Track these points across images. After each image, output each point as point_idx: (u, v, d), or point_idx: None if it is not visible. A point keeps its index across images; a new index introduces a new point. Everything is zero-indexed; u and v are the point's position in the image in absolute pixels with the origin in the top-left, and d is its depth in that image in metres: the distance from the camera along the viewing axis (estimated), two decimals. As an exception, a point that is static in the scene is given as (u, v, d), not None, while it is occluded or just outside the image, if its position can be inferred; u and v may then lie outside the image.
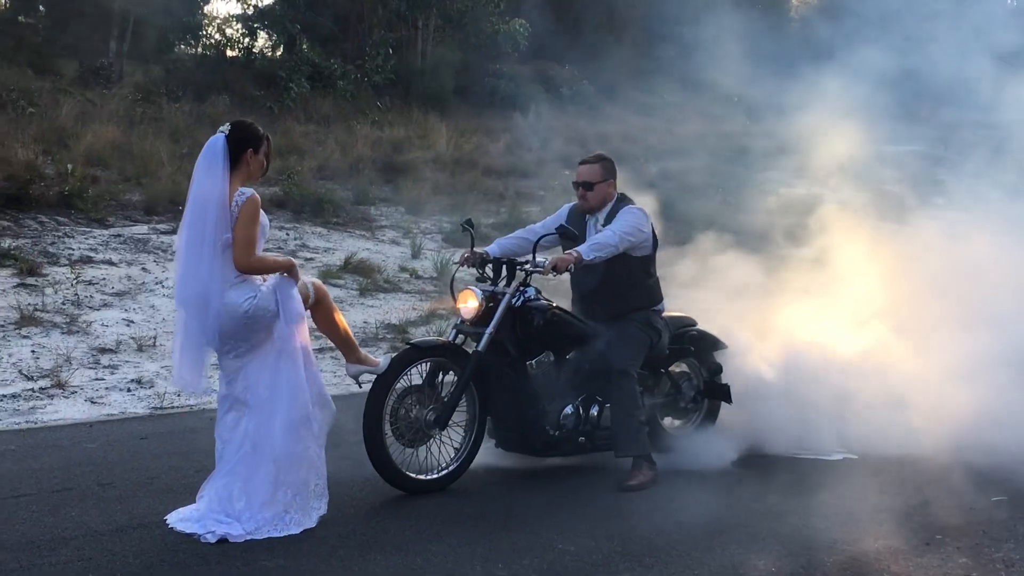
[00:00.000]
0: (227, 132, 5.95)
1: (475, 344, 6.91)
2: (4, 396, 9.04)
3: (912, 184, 9.86)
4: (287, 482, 5.86)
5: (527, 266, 7.07)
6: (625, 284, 7.33)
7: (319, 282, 6.39)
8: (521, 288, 7.04)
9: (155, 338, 10.96)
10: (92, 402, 9.14)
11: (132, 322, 11.49)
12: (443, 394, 6.80)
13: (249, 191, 5.87)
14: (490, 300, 7.01)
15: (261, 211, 5.95)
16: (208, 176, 5.85)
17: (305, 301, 6.13)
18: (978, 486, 7.18)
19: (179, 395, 9.37)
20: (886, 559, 5.80)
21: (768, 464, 7.63)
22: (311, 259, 15.05)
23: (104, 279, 12.67)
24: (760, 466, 7.58)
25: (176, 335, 6.07)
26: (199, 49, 26.37)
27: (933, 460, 7.67)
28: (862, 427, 8.06)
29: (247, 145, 5.96)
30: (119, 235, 14.38)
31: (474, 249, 7.36)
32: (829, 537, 6.10)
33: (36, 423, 8.46)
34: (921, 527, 6.33)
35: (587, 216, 7.54)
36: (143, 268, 13.30)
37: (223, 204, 5.79)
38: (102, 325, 11.27)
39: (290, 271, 5.99)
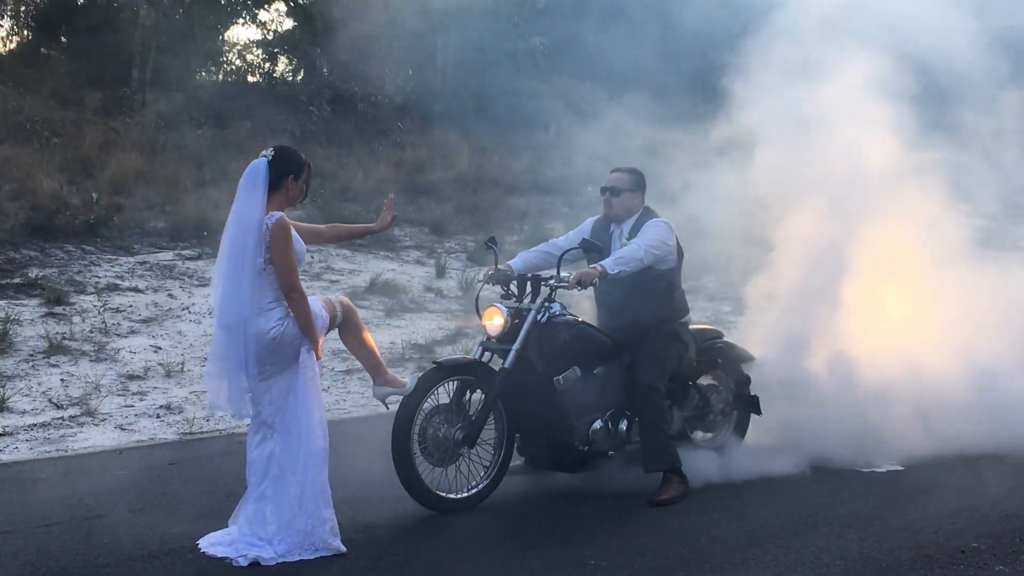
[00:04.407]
0: (270, 157, 5.96)
1: (502, 361, 6.89)
2: (35, 425, 9.07)
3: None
4: (307, 510, 5.83)
5: (551, 281, 7.07)
6: (650, 297, 7.30)
7: (347, 300, 6.38)
8: (546, 304, 7.02)
9: (183, 364, 10.99)
10: (121, 429, 9.17)
11: (160, 348, 11.53)
12: (471, 412, 6.79)
13: (277, 214, 5.87)
14: (515, 317, 6.99)
15: (296, 235, 5.96)
16: (248, 200, 5.86)
17: (332, 319, 6.13)
18: (1013, 492, 7.12)
19: (208, 420, 9.39)
20: (922, 568, 5.74)
21: (806, 476, 7.58)
22: (336, 281, 15.09)
23: (131, 306, 12.72)
24: (796, 478, 7.53)
25: (213, 359, 6.04)
26: (220, 76, 26.52)
27: (971, 468, 7.63)
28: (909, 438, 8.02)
29: (289, 171, 5.98)
30: (144, 262, 14.44)
31: (498, 265, 7.35)
32: (864, 548, 6.06)
33: (66, 451, 8.48)
34: (956, 535, 6.28)
35: (612, 227, 7.53)
36: (169, 294, 13.35)
37: (261, 229, 5.81)
38: (130, 352, 11.31)
39: (315, 348, 5.97)
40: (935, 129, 9.28)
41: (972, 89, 9.79)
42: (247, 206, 5.85)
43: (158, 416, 9.58)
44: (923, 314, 8.91)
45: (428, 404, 6.67)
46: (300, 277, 5.94)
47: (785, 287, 8.57)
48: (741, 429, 7.99)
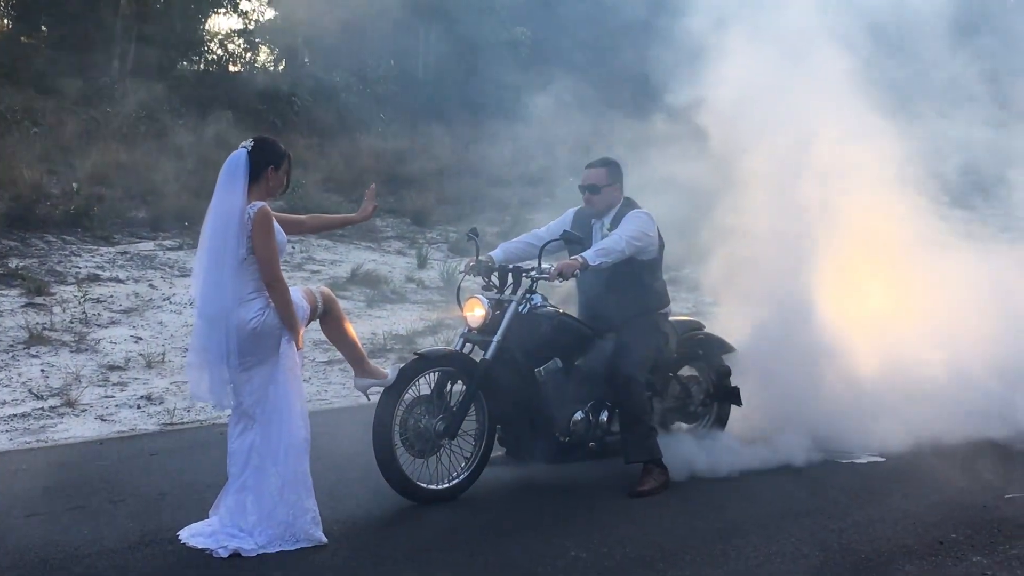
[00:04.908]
0: (249, 148, 5.95)
1: (483, 353, 6.90)
2: (15, 415, 9.05)
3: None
4: (288, 500, 5.83)
5: (533, 273, 7.07)
6: (632, 288, 7.31)
7: (328, 290, 6.38)
8: (527, 295, 7.03)
9: (164, 354, 10.97)
10: (102, 419, 9.15)
11: (140, 339, 11.50)
12: (452, 404, 6.78)
13: (259, 204, 5.85)
14: (497, 308, 7.00)
15: (277, 225, 5.95)
16: (229, 192, 5.85)
17: (314, 310, 6.13)
18: (992, 483, 7.17)
19: (188, 411, 9.37)
20: (900, 559, 5.78)
21: (786, 468, 7.60)
22: (317, 271, 15.07)
23: (111, 297, 12.68)
24: (777, 470, 7.55)
25: (194, 350, 6.04)
26: (201, 65, 26.42)
27: (950, 459, 7.68)
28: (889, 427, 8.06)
29: (269, 162, 5.97)
30: (125, 252, 14.40)
31: (479, 257, 7.36)
32: (844, 539, 6.09)
33: (47, 442, 8.46)
34: (935, 526, 6.32)
35: (593, 220, 7.53)
36: (150, 285, 13.31)
37: (242, 219, 5.80)
38: (110, 343, 11.28)
39: (296, 338, 5.97)
40: (905, 109, 9.28)
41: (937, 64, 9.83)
42: (227, 198, 5.84)
43: (139, 407, 9.56)
44: (898, 303, 8.94)
45: (409, 395, 6.67)
46: (281, 267, 5.94)
47: (755, 276, 8.54)
48: (722, 420, 8.01)
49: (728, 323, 8.30)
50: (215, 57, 26.48)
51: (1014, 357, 8.79)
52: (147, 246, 14.81)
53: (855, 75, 8.84)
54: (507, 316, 6.90)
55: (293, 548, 5.77)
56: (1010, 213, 10.26)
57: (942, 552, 5.89)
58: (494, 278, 7.27)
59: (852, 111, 8.72)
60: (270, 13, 27.63)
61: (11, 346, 10.81)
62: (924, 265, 9.22)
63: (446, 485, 6.76)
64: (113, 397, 9.77)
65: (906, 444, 7.95)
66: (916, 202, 9.34)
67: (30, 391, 9.72)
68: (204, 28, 27.38)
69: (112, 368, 10.59)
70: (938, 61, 9.85)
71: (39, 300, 12.18)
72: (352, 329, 6.49)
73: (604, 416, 7.27)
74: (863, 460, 7.84)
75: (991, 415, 8.37)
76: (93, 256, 14.02)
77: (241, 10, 26.96)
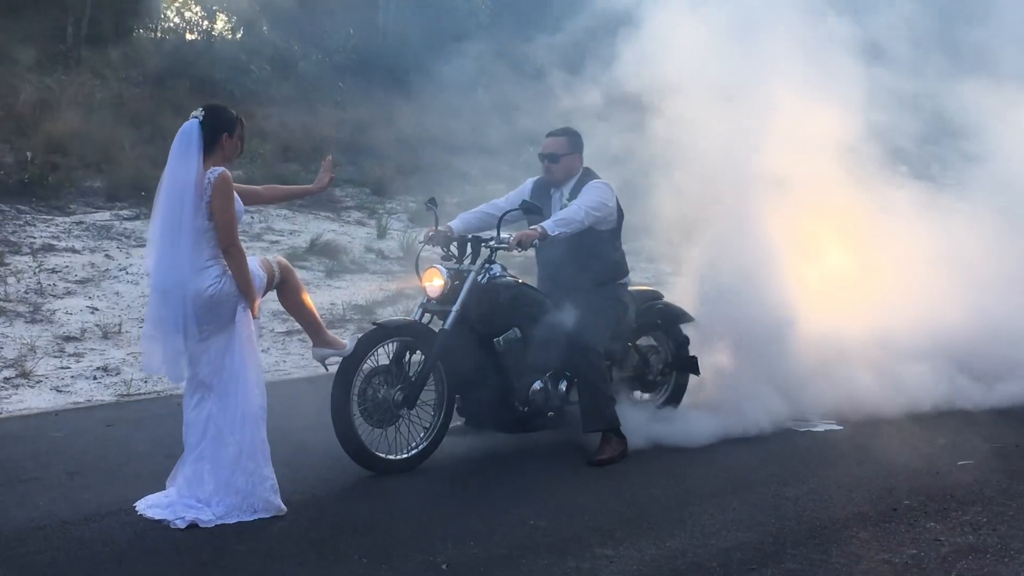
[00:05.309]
0: (201, 117, 5.90)
1: (441, 322, 6.89)
2: (-32, 387, 8.96)
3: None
4: (246, 469, 5.81)
5: (492, 243, 7.07)
6: (591, 258, 7.32)
7: (284, 260, 6.34)
8: (486, 265, 7.03)
9: (120, 325, 10.88)
10: (58, 391, 9.07)
11: (96, 309, 11.40)
12: (410, 374, 6.78)
13: (220, 168, 5.81)
14: (455, 278, 6.99)
15: (236, 195, 5.91)
16: (183, 162, 5.80)
17: (271, 280, 6.10)
18: (945, 451, 7.25)
19: (146, 381, 9.31)
20: (855, 526, 5.84)
21: (744, 436, 7.63)
22: (276, 241, 14.98)
23: (67, 267, 12.56)
24: (735, 439, 7.58)
25: (150, 322, 5.99)
26: (158, 33, 26.12)
27: (907, 426, 7.76)
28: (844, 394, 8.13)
29: (223, 129, 5.93)
30: (81, 222, 14.25)
31: (438, 227, 7.34)
32: (799, 506, 6.15)
33: (1, 413, 8.38)
34: (889, 493, 6.39)
35: (552, 190, 7.53)
36: (106, 255, 13.18)
37: (198, 190, 5.76)
38: (66, 313, 11.17)
39: (251, 306, 5.93)
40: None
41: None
42: (181, 169, 5.79)
43: (95, 378, 9.49)
44: (856, 273, 9.01)
45: (368, 365, 6.65)
46: (239, 237, 5.90)
47: (708, 246, 8.55)
48: (680, 390, 8.05)
49: (686, 293, 8.31)
50: (172, 25, 26.17)
51: (972, 326, 8.88)
52: (103, 216, 14.66)
53: (810, 41, 8.84)
54: (466, 286, 6.90)
55: (251, 518, 5.76)
56: (965, 185, 10.32)
57: (896, 518, 5.95)
58: (453, 248, 7.27)
59: (807, 78, 8.73)
60: (228, -20, 27.34)
61: (-35, 317, 10.69)
62: (882, 234, 9.29)
63: (405, 455, 6.76)
64: (69, 368, 9.69)
65: (863, 412, 8.03)
66: (873, 172, 9.39)
67: (-16, 362, 9.62)
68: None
69: (68, 339, 10.50)
70: (896, 26, 9.86)
71: (-7, 270, 12.05)
72: (309, 299, 6.46)
73: (563, 386, 7.30)
74: (820, 428, 7.91)
75: (946, 383, 8.45)
76: (48, 226, 13.87)
77: (198, -24, 26.67)
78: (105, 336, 10.61)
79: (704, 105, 8.43)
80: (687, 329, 8.03)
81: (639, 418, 7.54)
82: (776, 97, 8.59)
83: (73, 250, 13.18)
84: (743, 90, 8.57)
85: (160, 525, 5.69)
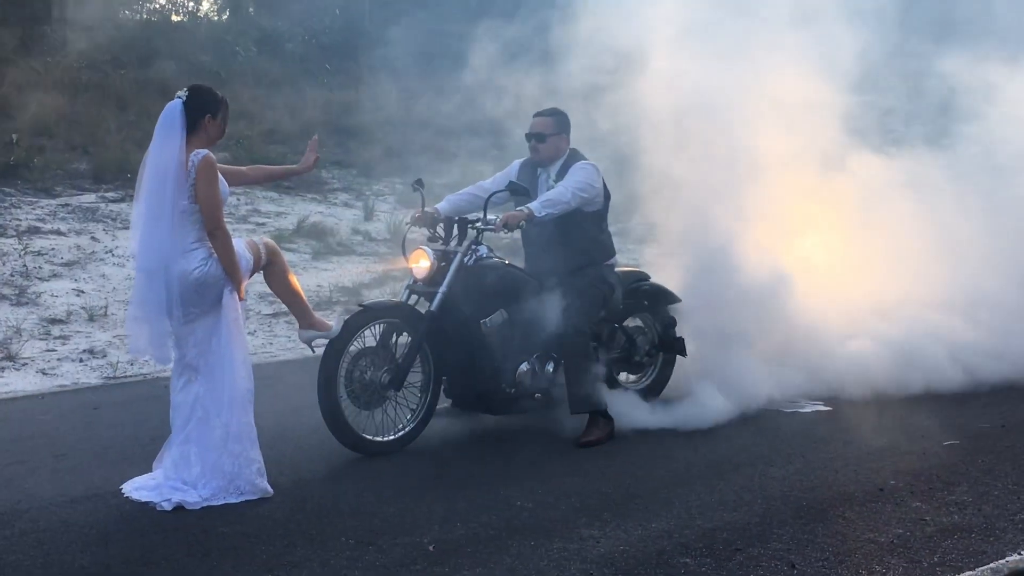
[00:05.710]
0: (184, 98, 5.88)
1: (428, 304, 6.89)
2: (-46, 370, 8.94)
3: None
4: (233, 451, 5.81)
5: (478, 224, 7.06)
6: (577, 239, 7.31)
7: (271, 241, 6.33)
8: (473, 246, 7.02)
9: (106, 307, 10.85)
10: (44, 373, 9.05)
11: (82, 292, 11.37)
12: (397, 355, 6.78)
13: (203, 151, 5.79)
14: (442, 259, 6.99)
15: (220, 176, 5.89)
16: (166, 143, 5.79)
17: (257, 262, 6.08)
18: (931, 431, 7.27)
19: (132, 364, 9.30)
20: (841, 506, 5.85)
21: (730, 416, 7.63)
22: (263, 224, 14.94)
23: (53, 249, 12.51)
24: (721, 419, 7.57)
25: (135, 303, 5.98)
26: (143, 14, 25.98)
27: (894, 407, 7.78)
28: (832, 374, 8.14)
29: (206, 110, 5.91)
30: (67, 204, 14.19)
31: (425, 208, 7.33)
32: (785, 486, 6.16)
33: (-13, 396, 8.37)
34: (875, 473, 6.40)
35: (538, 171, 7.51)
36: (92, 237, 13.14)
37: (181, 171, 5.74)
38: (52, 296, 11.14)
39: (238, 288, 5.91)
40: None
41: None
42: (164, 149, 5.77)
43: (81, 360, 9.47)
44: (840, 252, 9.01)
45: (354, 347, 6.66)
46: (225, 219, 5.88)
47: (690, 226, 8.52)
48: (667, 371, 8.05)
49: (672, 274, 8.31)
50: (158, 6, 26.05)
51: (958, 305, 8.89)
52: (89, 198, 14.59)
53: (793, 18, 8.82)
54: (452, 267, 6.89)
55: (238, 501, 5.76)
56: (953, 165, 10.31)
57: (882, 498, 5.97)
58: (440, 229, 7.26)
59: (791, 57, 8.70)
60: (213, -39, 27.21)
61: (-50, 300, 10.65)
62: (869, 213, 9.28)
63: (392, 437, 6.77)
64: (55, 351, 9.67)
65: (849, 392, 8.04)
66: (860, 150, 9.39)
67: (-30, 345, 9.59)
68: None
69: (54, 321, 10.47)
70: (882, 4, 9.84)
71: (-22, 253, 12.00)
72: (296, 281, 6.45)
73: (550, 367, 7.29)
74: (807, 409, 7.93)
75: (933, 362, 8.46)
76: (34, 208, 13.81)
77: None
78: (91, 319, 10.59)
79: (686, 69, 8.37)
80: (674, 310, 8.02)
81: (625, 399, 7.54)
82: (761, 64, 8.55)
83: (59, 232, 13.13)
84: (728, 57, 8.51)
85: (147, 507, 5.70)
